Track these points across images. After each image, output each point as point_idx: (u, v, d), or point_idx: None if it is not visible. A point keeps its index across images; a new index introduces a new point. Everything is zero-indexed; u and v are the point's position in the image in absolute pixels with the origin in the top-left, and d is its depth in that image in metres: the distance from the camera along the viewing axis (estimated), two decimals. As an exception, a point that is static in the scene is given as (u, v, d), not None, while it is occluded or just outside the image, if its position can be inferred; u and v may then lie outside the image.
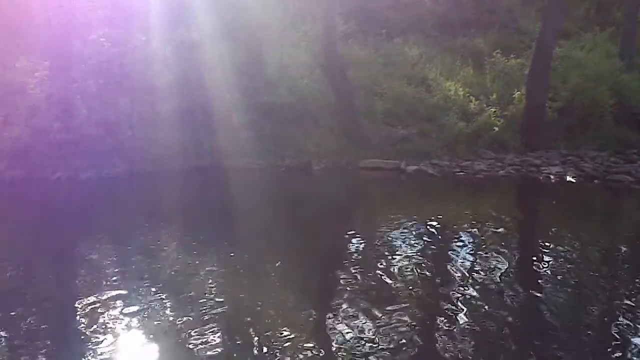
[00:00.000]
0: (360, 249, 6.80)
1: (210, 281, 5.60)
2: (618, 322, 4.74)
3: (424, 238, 7.19)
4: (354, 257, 6.57)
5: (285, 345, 4.36)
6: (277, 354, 4.23)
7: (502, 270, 5.93)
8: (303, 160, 11.86)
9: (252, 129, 11.92)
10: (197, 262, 6.17)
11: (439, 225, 7.73)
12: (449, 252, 6.72)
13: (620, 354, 4.32)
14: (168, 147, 11.15)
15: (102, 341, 4.39)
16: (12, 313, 4.77)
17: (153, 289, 5.36)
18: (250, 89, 12.42)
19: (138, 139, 11.13)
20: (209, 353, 4.26)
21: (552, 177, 11.25)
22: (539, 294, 5.32)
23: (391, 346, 4.33)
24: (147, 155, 11.04)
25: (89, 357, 4.17)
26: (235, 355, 4.33)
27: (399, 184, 11.09)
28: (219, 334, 4.53)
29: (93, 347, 4.28)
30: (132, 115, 11.27)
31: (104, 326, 4.61)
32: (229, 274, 5.91)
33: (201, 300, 5.09)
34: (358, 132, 12.55)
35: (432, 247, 6.93)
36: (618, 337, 4.52)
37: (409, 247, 6.73)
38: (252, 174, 11.16)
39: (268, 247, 6.87)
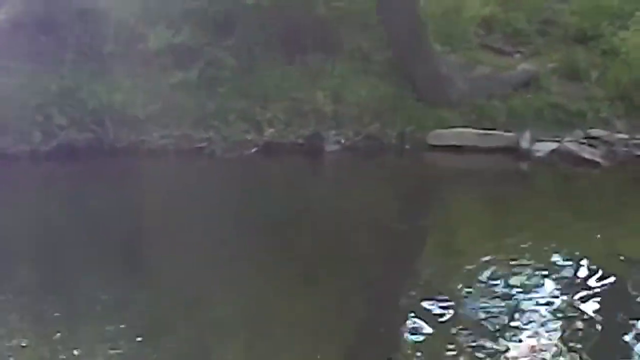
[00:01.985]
0: (440, 320, 6.60)
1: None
2: None
3: (575, 296, 7.27)
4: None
5: None
6: None
7: None
8: (302, 130, 11.91)
9: (189, 66, 12.10)
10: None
11: (604, 269, 7.83)
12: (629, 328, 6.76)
13: None
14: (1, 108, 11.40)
15: None
16: None
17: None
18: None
19: None
20: None
21: None
22: None
23: None
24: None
25: None
26: None
27: (517, 181, 11.41)
28: None
29: None
30: None
31: None
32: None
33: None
34: (424, 67, 12.53)
35: (594, 314, 6.95)
36: None
37: (545, 314, 6.76)
38: (187, 161, 11.49)
39: (227, 317, 6.69)
